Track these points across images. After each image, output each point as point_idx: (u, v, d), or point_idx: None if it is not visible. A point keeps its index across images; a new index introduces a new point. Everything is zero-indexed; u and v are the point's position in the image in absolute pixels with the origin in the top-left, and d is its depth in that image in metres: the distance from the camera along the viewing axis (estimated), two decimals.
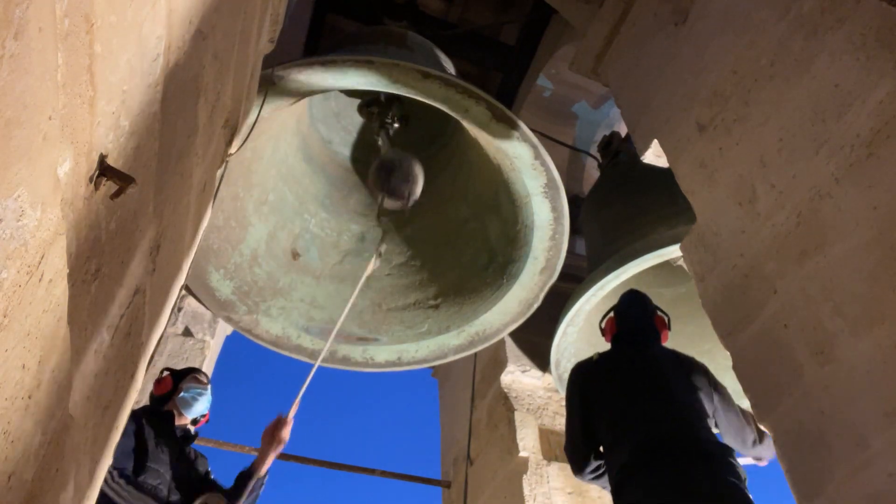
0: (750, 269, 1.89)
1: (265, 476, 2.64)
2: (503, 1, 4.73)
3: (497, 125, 2.94)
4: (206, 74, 1.47)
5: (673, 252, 2.93)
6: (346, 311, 2.90)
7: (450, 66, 3.67)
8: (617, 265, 3.16)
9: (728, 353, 1.98)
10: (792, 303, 1.73)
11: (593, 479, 2.51)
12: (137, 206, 1.14)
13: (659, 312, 2.89)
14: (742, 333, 1.90)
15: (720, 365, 2.80)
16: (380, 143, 3.43)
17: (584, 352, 3.63)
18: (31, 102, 0.66)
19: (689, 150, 2.20)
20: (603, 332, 2.95)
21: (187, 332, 3.89)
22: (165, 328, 1.92)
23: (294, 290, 3.67)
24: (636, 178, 3.79)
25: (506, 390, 4.06)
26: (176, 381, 2.75)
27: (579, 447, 2.54)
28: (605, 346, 2.95)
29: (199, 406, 2.71)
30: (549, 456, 3.73)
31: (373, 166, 3.14)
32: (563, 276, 3.50)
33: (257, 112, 2.53)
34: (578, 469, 2.54)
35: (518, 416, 3.88)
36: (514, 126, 2.94)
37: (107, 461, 1.40)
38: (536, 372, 4.19)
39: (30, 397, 0.81)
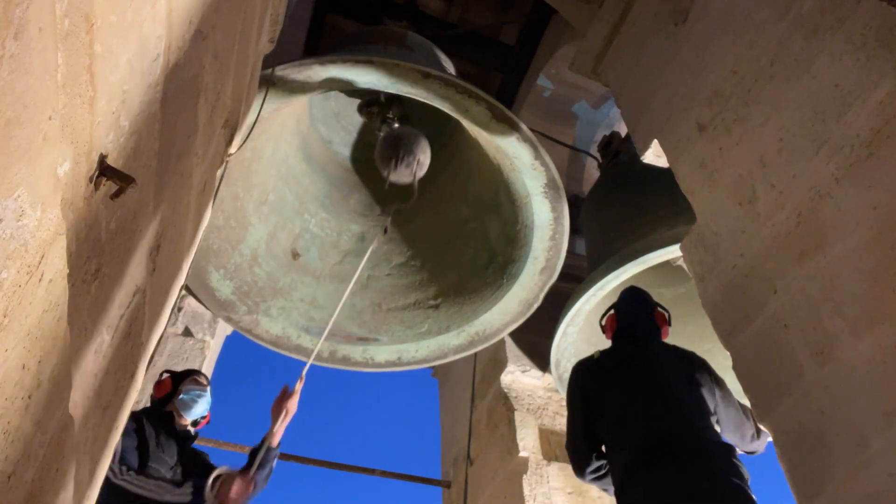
0: (750, 269, 1.89)
1: (277, 447, 2.66)
2: (503, 1, 4.73)
3: (497, 125, 2.94)
4: (206, 74, 1.47)
5: (673, 252, 2.93)
6: (349, 289, 2.88)
7: (450, 66, 3.67)
8: (617, 265, 3.16)
9: (728, 353, 1.98)
10: (792, 303, 1.73)
11: (594, 479, 2.49)
12: (137, 206, 1.14)
13: (659, 308, 2.88)
14: (742, 333, 1.90)
15: (720, 365, 2.79)
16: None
17: (585, 352, 3.63)
18: (31, 102, 0.66)
19: (689, 150, 2.20)
20: (603, 329, 2.95)
21: (187, 332, 3.89)
22: (165, 328, 1.92)
23: (294, 290, 3.67)
24: (636, 178, 3.79)
25: (506, 390, 4.06)
26: (175, 383, 2.75)
27: (580, 446, 2.53)
28: (606, 344, 2.95)
29: (199, 408, 2.71)
30: (549, 456, 3.73)
31: (379, 140, 3.13)
32: (563, 276, 3.50)
33: (257, 112, 2.53)
34: (579, 469, 2.52)
35: (518, 416, 3.88)
36: (514, 126, 2.94)
37: (107, 461, 1.40)
38: (536, 372, 4.19)
39: (30, 397, 0.81)
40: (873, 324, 1.49)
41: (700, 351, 2.77)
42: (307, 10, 4.29)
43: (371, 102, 3.52)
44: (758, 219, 1.87)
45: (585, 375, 2.65)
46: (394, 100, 3.40)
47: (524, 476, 3.57)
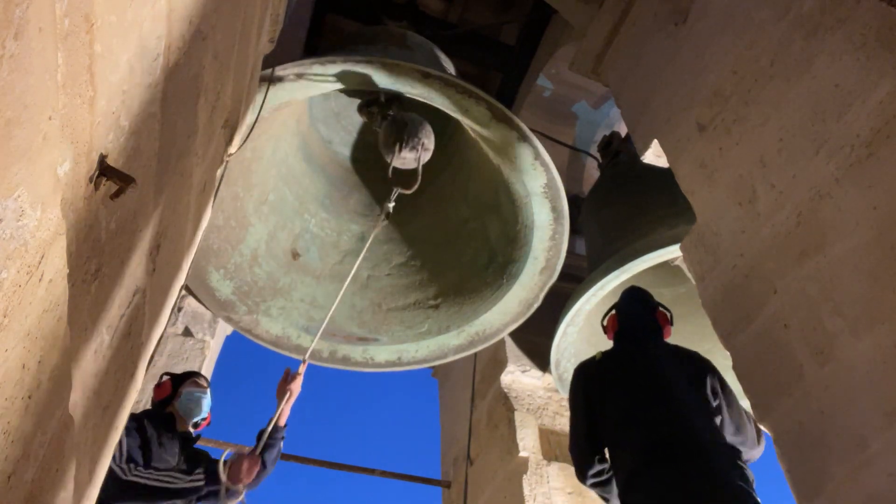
0: (750, 269, 1.89)
1: (284, 427, 2.73)
2: (503, 1, 4.73)
3: (497, 125, 2.94)
4: (206, 74, 1.47)
5: (673, 252, 2.93)
6: (347, 281, 2.88)
7: (450, 66, 3.67)
8: (617, 265, 3.16)
9: (728, 353, 1.98)
10: (792, 303, 1.73)
11: (595, 484, 2.45)
12: (137, 206, 1.14)
13: (661, 308, 2.87)
14: (742, 333, 1.90)
15: (720, 365, 2.79)
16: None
17: (584, 352, 3.63)
18: (31, 102, 0.66)
19: (689, 150, 2.20)
20: (605, 330, 2.93)
21: (187, 332, 3.89)
22: (165, 328, 1.92)
23: (294, 290, 3.67)
24: (636, 178, 3.79)
25: (506, 390, 4.06)
26: (175, 386, 2.76)
27: (583, 449, 2.50)
28: (606, 344, 2.94)
29: (199, 410, 2.73)
30: (549, 456, 3.73)
31: (384, 125, 3.12)
32: (563, 276, 3.50)
33: (257, 112, 2.53)
34: (581, 472, 2.49)
35: (518, 416, 3.88)
36: (514, 126, 2.94)
37: (107, 461, 1.40)
38: (536, 372, 4.19)
39: (30, 397, 0.81)
40: (873, 324, 1.49)
41: (700, 351, 2.77)
42: (307, 10, 4.29)
43: (371, 102, 3.52)
44: (758, 219, 1.87)
45: (587, 377, 2.63)
46: (394, 100, 3.40)
47: (524, 476, 3.57)
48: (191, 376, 2.84)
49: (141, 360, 1.53)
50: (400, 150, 2.89)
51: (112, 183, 0.91)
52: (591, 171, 4.75)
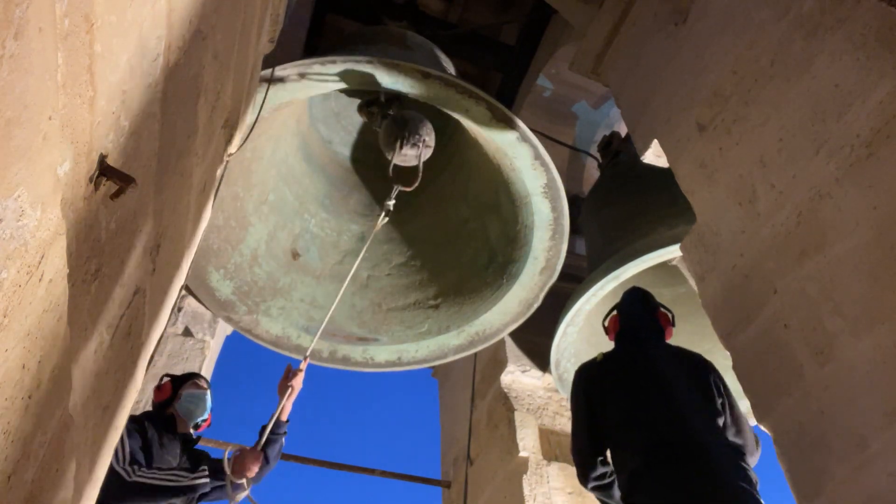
0: (750, 269, 1.89)
1: (286, 423, 2.75)
2: (503, 1, 4.74)
3: (497, 125, 2.94)
4: (206, 74, 1.47)
5: (673, 252, 2.93)
6: (347, 281, 2.88)
7: (450, 66, 3.67)
8: (617, 265, 3.16)
9: (728, 353, 1.98)
10: (792, 303, 1.73)
11: (597, 488, 2.43)
12: (137, 206, 1.14)
13: (662, 309, 2.87)
14: (742, 333, 1.90)
15: (720, 365, 2.79)
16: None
17: (584, 352, 3.63)
18: (31, 102, 0.66)
19: (689, 150, 2.20)
20: (606, 330, 2.92)
21: (187, 332, 3.89)
22: (165, 328, 1.92)
23: (294, 290, 3.67)
24: (636, 178, 3.79)
25: (506, 390, 4.06)
26: (175, 387, 2.76)
27: (585, 451, 2.48)
28: (606, 344, 2.93)
29: (199, 411, 2.73)
30: (549, 456, 3.72)
31: (384, 123, 3.12)
32: (563, 276, 3.50)
33: (257, 112, 2.53)
34: (584, 475, 2.46)
35: (518, 416, 3.88)
36: (514, 126, 2.94)
37: (107, 461, 1.40)
38: (536, 372, 4.19)
39: (30, 397, 0.81)
40: (873, 324, 1.49)
41: (700, 351, 2.76)
42: (307, 10, 4.29)
43: (371, 102, 3.52)
44: (758, 219, 1.87)
45: (588, 378, 2.62)
46: (394, 100, 3.40)
47: (524, 476, 3.57)
48: (191, 378, 2.84)
49: (141, 360, 1.53)
50: (401, 148, 2.89)
51: (112, 183, 0.91)
52: (591, 171, 4.75)
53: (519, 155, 3.07)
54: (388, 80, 2.81)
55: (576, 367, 2.81)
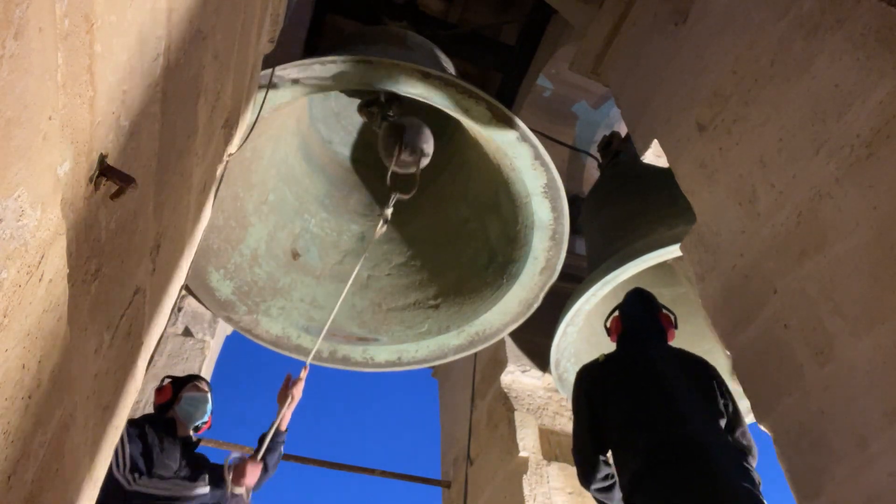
0: (750, 269, 1.89)
1: (285, 432, 2.77)
2: (503, 1, 4.73)
3: (497, 125, 2.94)
4: (206, 74, 1.47)
5: (673, 252, 2.93)
6: (347, 288, 2.89)
7: (450, 66, 3.67)
8: (617, 265, 3.16)
9: (728, 353, 1.98)
10: (792, 303, 1.73)
11: (598, 490, 2.42)
12: (137, 206, 1.14)
13: (664, 310, 2.86)
14: (742, 333, 1.90)
15: (720, 365, 2.79)
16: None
17: (584, 352, 3.63)
18: (31, 102, 0.66)
19: (689, 150, 2.20)
20: (608, 331, 2.92)
21: (187, 332, 3.89)
22: (165, 328, 1.92)
23: (294, 290, 3.67)
24: (636, 178, 3.79)
25: (506, 390, 4.06)
26: (176, 390, 2.76)
27: (587, 453, 2.47)
28: (606, 344, 2.93)
29: (199, 415, 2.73)
30: (549, 456, 3.73)
31: (383, 129, 3.13)
32: (563, 276, 3.50)
33: (257, 112, 2.53)
34: (585, 477, 2.45)
35: (518, 416, 3.88)
36: (514, 126, 2.94)
37: (107, 461, 1.40)
38: (536, 372, 4.19)
39: (30, 397, 0.81)
40: (873, 324, 1.49)
41: (700, 351, 2.76)
42: (307, 10, 4.29)
43: (371, 102, 3.53)
44: (758, 219, 1.87)
45: (590, 379, 2.61)
46: (394, 100, 3.40)
47: (524, 476, 3.57)
48: (192, 380, 2.84)
49: (141, 360, 1.53)
50: (399, 155, 2.91)
51: (112, 183, 0.91)
52: (591, 171, 4.75)
53: (519, 155, 3.07)
54: (388, 80, 2.81)
55: (576, 367, 2.81)
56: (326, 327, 2.89)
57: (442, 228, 3.86)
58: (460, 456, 4.34)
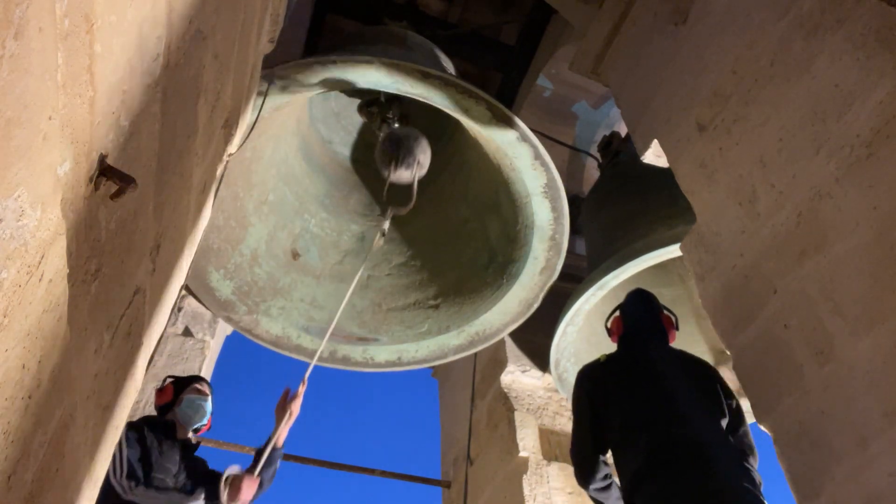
0: (750, 269, 1.89)
1: (282, 448, 2.73)
2: (503, 1, 4.73)
3: (497, 125, 2.94)
4: (206, 74, 1.47)
5: (673, 252, 2.93)
6: (349, 294, 2.88)
7: (450, 66, 3.67)
8: (617, 265, 3.16)
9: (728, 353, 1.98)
10: (792, 303, 1.73)
11: (597, 490, 2.42)
12: (137, 206, 1.14)
13: (665, 311, 2.86)
14: (742, 333, 1.90)
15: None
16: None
17: (584, 352, 3.63)
18: (31, 102, 0.66)
19: (689, 150, 2.20)
20: (609, 331, 2.91)
21: (187, 332, 3.89)
22: (165, 328, 1.92)
23: (294, 290, 3.67)
24: (636, 178, 3.79)
25: (506, 390, 4.06)
26: (177, 391, 2.76)
27: (588, 453, 2.46)
28: (606, 344, 2.93)
29: (198, 417, 2.72)
30: (549, 456, 3.73)
31: (380, 140, 3.13)
32: (563, 276, 3.50)
33: (257, 112, 2.53)
34: (584, 477, 2.45)
35: (518, 416, 3.88)
36: (514, 126, 2.94)
37: (106, 461, 1.40)
38: (536, 372, 4.19)
39: (30, 397, 0.81)
40: (873, 324, 1.49)
41: (699, 351, 2.76)
42: (307, 10, 4.29)
43: (371, 102, 3.53)
44: (758, 219, 1.87)
45: (591, 380, 2.60)
46: (394, 100, 3.40)
47: (524, 476, 3.57)
48: (193, 381, 2.83)
49: (141, 360, 1.53)
50: (395, 168, 2.92)
51: (112, 183, 0.91)
52: (591, 171, 4.75)
53: (519, 155, 3.07)
54: (388, 80, 2.81)
55: (576, 367, 2.81)
56: (330, 331, 2.88)
57: (442, 228, 3.87)
58: (460, 456, 4.34)
